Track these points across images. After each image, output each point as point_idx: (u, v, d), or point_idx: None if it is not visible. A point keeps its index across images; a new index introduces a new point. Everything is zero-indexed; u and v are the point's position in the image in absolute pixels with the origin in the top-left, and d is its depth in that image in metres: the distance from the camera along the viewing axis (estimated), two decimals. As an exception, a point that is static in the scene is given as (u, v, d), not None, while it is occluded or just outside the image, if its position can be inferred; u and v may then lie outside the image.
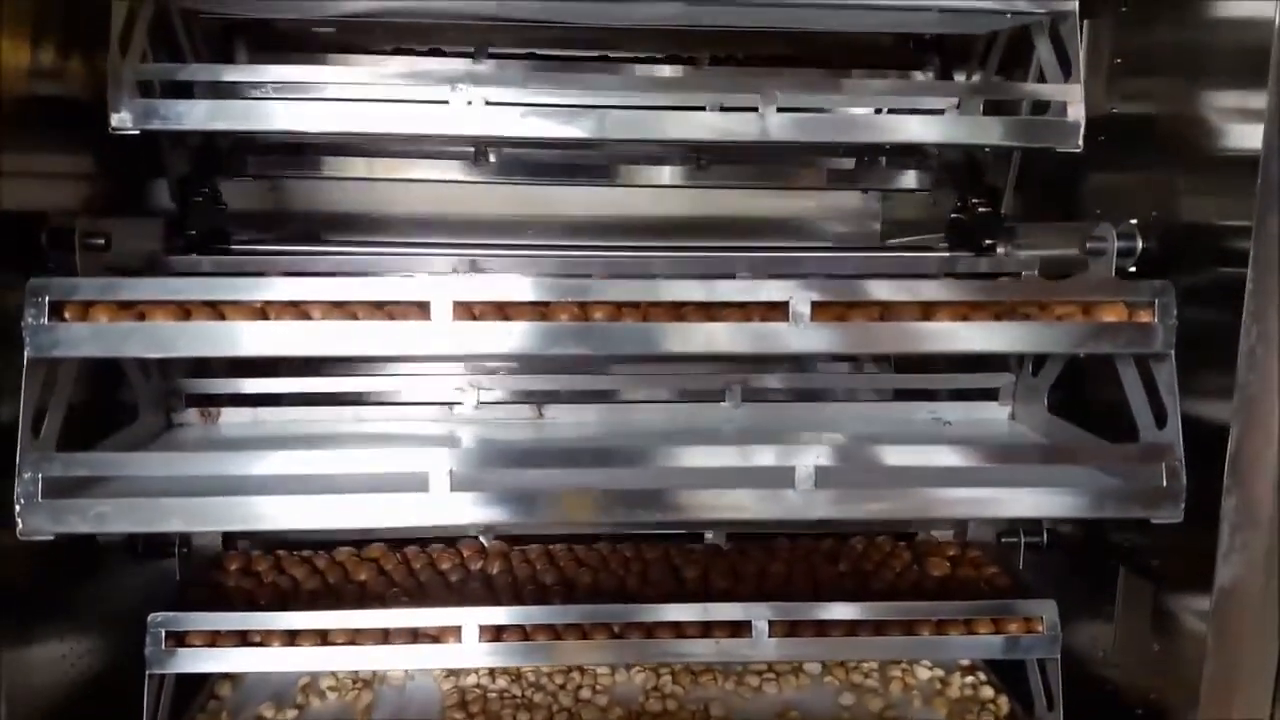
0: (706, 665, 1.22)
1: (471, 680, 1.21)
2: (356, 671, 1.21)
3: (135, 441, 1.11)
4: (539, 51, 1.37)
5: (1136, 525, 0.98)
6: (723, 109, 1.02)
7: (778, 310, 0.93)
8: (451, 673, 1.22)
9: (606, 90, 1.05)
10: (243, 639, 1.06)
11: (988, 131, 1.07)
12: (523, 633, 1.08)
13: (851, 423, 1.24)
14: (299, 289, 0.91)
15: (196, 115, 0.98)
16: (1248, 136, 0.88)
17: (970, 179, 1.33)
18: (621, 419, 1.24)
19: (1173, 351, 0.94)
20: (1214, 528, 0.90)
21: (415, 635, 1.07)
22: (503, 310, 0.93)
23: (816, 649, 1.11)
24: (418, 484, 0.90)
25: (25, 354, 0.88)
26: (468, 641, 1.06)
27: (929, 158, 1.45)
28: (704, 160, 1.43)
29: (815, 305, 0.92)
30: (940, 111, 1.14)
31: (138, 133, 0.96)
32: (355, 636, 1.07)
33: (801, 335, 0.93)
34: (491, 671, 1.21)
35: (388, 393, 1.33)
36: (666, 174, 1.44)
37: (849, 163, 1.48)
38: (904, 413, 1.27)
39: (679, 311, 0.94)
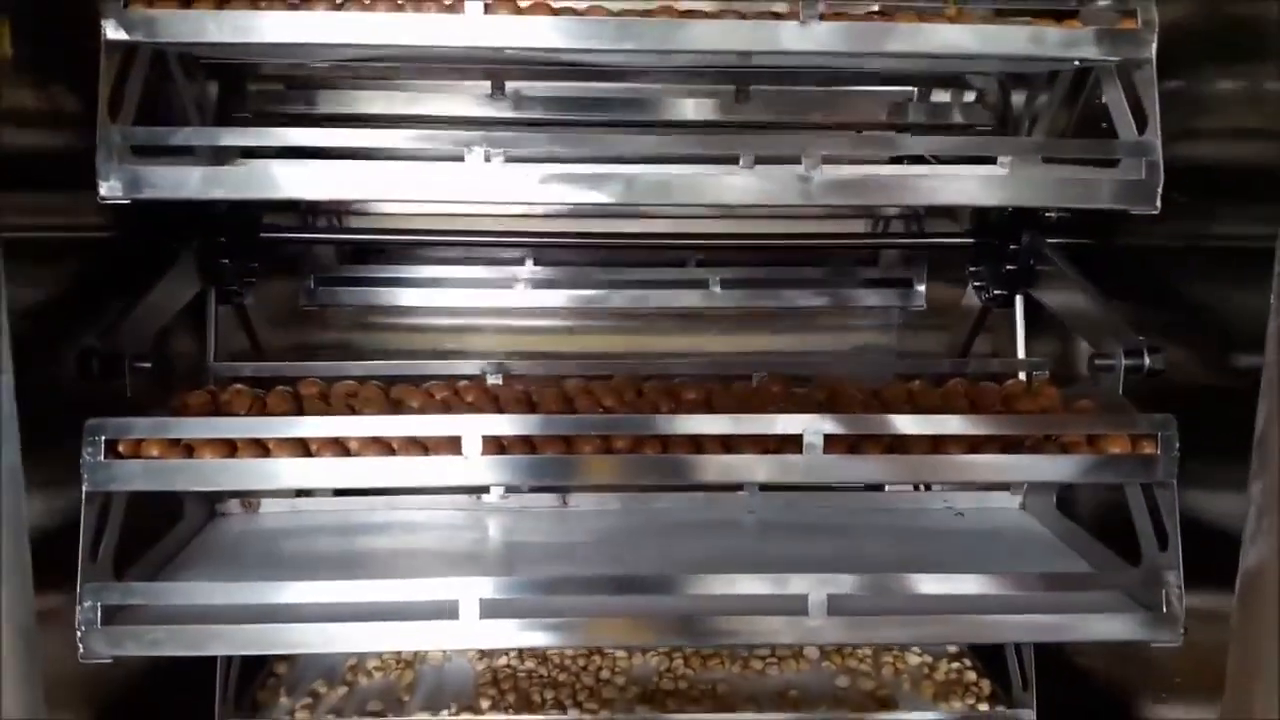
0: (714, 649, 1.34)
1: (503, 661, 1.34)
2: (399, 651, 1.33)
3: (182, 537, 1.18)
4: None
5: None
6: (757, 160, 0.99)
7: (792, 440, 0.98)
8: (484, 654, 1.35)
9: (635, 149, 1.04)
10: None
11: (1052, 192, 1.02)
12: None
13: (867, 513, 1.28)
14: (337, 426, 0.96)
15: (192, 183, 0.96)
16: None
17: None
18: (643, 508, 1.28)
19: (1175, 480, 0.98)
20: (1242, 509, 0.90)
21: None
22: (530, 441, 0.98)
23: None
24: (449, 611, 0.95)
25: (83, 488, 0.94)
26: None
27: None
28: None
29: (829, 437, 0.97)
30: (992, 160, 1.09)
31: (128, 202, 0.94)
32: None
33: (815, 465, 0.97)
34: (520, 654, 1.35)
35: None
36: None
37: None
38: (919, 502, 1.31)
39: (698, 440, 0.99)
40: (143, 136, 0.96)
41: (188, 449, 0.96)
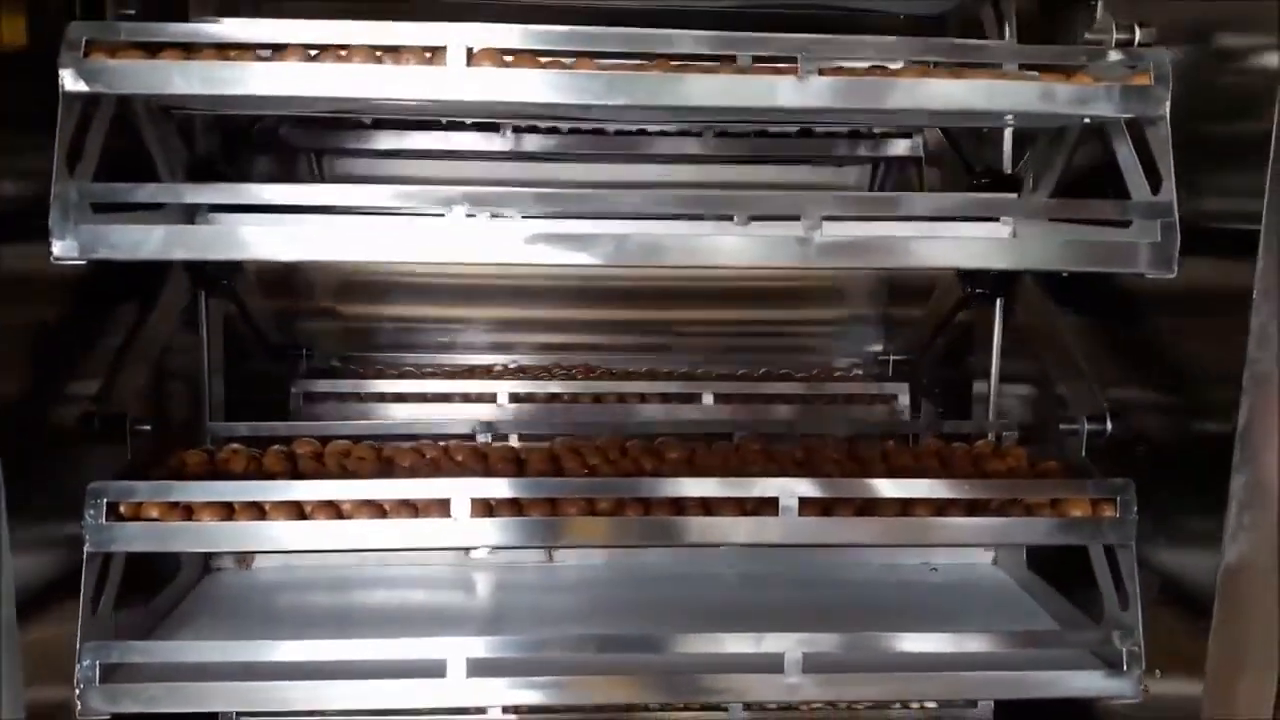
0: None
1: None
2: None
3: (178, 592, 1.21)
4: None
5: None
6: (752, 218, 0.96)
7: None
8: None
9: (626, 209, 0.99)
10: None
11: (1063, 255, 0.98)
12: None
13: (844, 567, 1.31)
14: (331, 489, 1.00)
15: (153, 243, 0.91)
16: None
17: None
18: (627, 560, 1.31)
19: (1133, 542, 1.02)
20: (1221, 507, 0.90)
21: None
22: (517, 502, 1.02)
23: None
24: (437, 670, 0.99)
25: (85, 548, 0.98)
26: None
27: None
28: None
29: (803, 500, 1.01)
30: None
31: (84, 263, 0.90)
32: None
33: (791, 527, 1.02)
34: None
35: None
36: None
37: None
38: (895, 556, 1.33)
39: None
40: (101, 193, 0.92)
41: (187, 510, 1.00)
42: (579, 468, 1.14)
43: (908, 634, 1.02)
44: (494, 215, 0.95)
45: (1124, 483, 1.02)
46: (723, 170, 1.65)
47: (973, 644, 1.02)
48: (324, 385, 1.55)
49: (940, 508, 1.03)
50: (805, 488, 1.01)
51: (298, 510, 1.00)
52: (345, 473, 1.13)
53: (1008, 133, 1.30)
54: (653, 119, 1.40)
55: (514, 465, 1.15)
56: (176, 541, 1.00)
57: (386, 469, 1.14)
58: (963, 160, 1.40)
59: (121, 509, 0.98)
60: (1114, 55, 1.00)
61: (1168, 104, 0.96)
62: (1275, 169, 0.84)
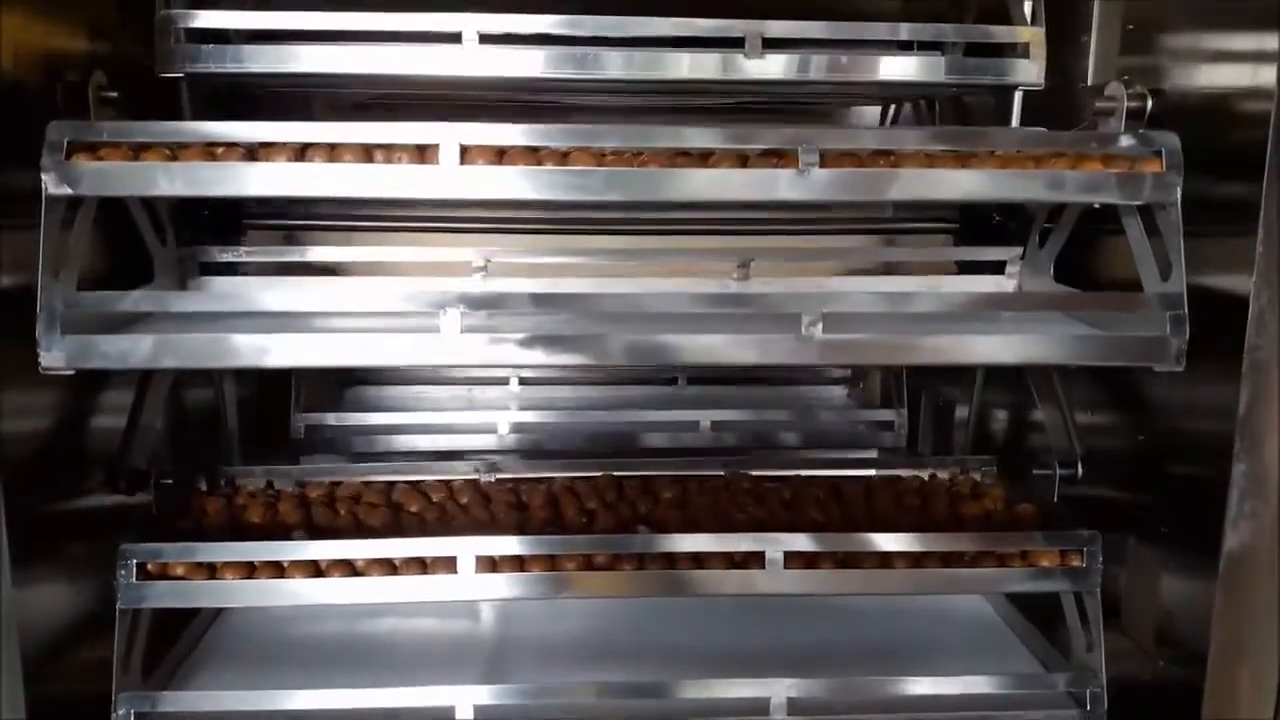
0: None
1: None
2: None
3: (198, 629, 1.28)
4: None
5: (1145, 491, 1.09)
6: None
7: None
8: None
9: (623, 317, 1.00)
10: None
11: (1070, 350, 0.98)
12: None
13: (840, 607, 1.34)
14: (345, 549, 1.07)
15: (142, 352, 0.91)
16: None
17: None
18: (628, 605, 1.34)
19: (1098, 589, 1.09)
20: (1223, 497, 0.91)
21: None
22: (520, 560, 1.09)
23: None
24: (446, 715, 1.06)
25: (117, 604, 1.04)
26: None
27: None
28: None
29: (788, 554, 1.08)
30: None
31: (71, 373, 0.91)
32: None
33: (777, 579, 1.08)
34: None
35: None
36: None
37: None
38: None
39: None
40: (89, 302, 0.93)
41: (210, 566, 1.07)
42: (577, 512, 1.21)
43: (888, 678, 1.09)
44: (490, 332, 0.95)
45: (1090, 535, 1.09)
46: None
47: (952, 685, 1.09)
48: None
49: (919, 558, 1.10)
50: (790, 542, 1.08)
51: (314, 566, 1.07)
52: (356, 520, 1.20)
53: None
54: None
55: (515, 511, 1.21)
56: (201, 598, 1.07)
57: (395, 514, 1.21)
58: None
59: (149, 568, 1.05)
60: (1125, 140, 0.98)
61: (1179, 190, 0.95)
62: (1274, 159, 0.85)
